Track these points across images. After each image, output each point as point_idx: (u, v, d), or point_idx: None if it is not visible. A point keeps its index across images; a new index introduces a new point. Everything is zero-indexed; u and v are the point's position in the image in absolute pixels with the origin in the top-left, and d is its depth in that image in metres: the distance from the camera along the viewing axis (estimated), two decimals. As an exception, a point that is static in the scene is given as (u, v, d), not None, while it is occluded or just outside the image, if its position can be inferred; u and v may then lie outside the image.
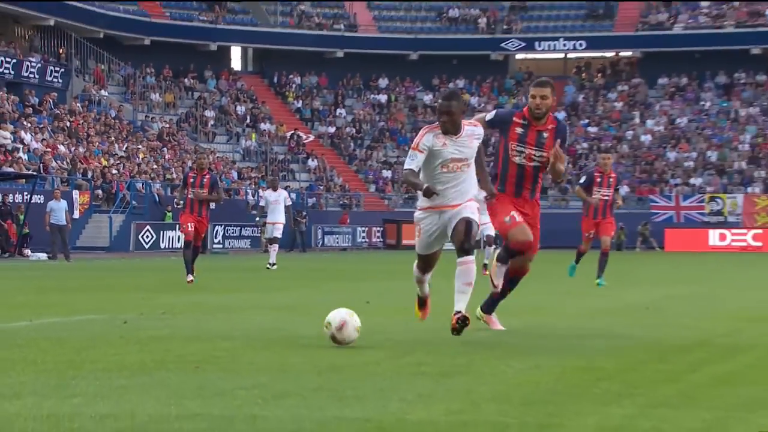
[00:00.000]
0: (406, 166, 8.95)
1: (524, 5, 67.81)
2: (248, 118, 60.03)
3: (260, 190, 44.16)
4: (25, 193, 36.80)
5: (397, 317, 11.24)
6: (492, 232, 23.17)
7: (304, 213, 48.58)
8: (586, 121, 62.66)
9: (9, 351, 8.06)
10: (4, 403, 5.76)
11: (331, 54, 63.89)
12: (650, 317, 11.87)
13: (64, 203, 33.24)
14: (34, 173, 38.21)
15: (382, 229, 52.49)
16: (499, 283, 9.67)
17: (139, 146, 48.90)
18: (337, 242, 51.26)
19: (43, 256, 34.05)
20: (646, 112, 63.34)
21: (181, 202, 19.13)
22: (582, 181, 18.75)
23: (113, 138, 47.93)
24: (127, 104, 54.95)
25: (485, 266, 21.97)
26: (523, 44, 64.86)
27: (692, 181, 57.36)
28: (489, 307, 9.94)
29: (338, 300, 14.20)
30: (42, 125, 44.03)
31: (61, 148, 42.94)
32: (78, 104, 49.59)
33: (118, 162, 45.62)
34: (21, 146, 40.57)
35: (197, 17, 61.41)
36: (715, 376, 7.10)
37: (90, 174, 42.27)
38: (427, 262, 9.42)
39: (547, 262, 22.29)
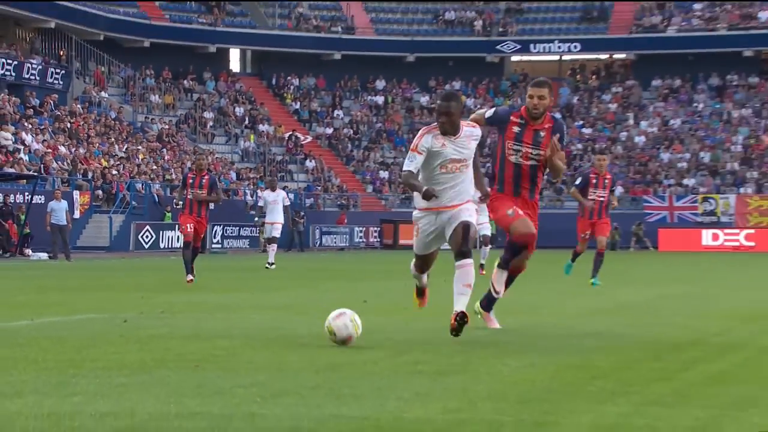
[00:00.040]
0: (405, 168, 8.86)
1: (519, 8, 67.84)
2: (247, 119, 60.02)
3: (258, 191, 44.15)
4: (26, 194, 36.77)
5: (395, 317, 11.24)
6: (488, 231, 23.20)
7: (302, 213, 48.56)
8: (581, 122, 62.67)
9: (10, 350, 8.05)
10: (6, 401, 5.75)
11: (328, 56, 63.89)
12: (644, 316, 11.88)
13: (64, 203, 33.22)
14: (35, 174, 38.19)
15: (379, 229, 52.48)
16: (501, 288, 9.56)
17: (139, 147, 48.87)
18: (335, 242, 51.25)
19: (44, 255, 34.03)
20: (640, 113, 63.38)
21: (181, 202, 19.09)
22: (578, 182, 18.76)
23: (113, 139, 47.90)
24: (126, 106, 54.92)
25: (482, 266, 21.99)
26: (519, 46, 64.87)
27: (685, 181, 57.39)
28: (488, 304, 9.86)
29: (336, 299, 14.19)
30: (43, 126, 44.00)
31: (62, 149, 42.92)
32: (78, 106, 49.56)
33: (118, 163, 45.60)
34: (22, 147, 40.55)
35: (196, 20, 61.39)
36: (708, 375, 7.10)
37: (90, 174, 42.25)
38: (424, 262, 9.40)
39: (543, 262, 22.28)
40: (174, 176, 46.69)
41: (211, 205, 19.68)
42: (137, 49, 57.60)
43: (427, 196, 8.68)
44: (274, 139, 59.56)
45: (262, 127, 59.53)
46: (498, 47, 65.06)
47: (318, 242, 50.09)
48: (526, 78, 64.45)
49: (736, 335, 9.89)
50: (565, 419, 5.38)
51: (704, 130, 60.91)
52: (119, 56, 56.94)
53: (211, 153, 51.63)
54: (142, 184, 44.27)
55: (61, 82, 49.85)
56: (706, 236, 52.55)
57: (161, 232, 41.08)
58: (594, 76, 66.66)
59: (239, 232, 46.06)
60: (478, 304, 9.87)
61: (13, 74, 46.81)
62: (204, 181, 18.45)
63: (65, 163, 41.88)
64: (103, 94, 53.41)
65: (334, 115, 63.20)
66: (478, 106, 60.17)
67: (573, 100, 64.47)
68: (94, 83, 54.00)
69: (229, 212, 44.93)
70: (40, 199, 36.31)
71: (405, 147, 60.29)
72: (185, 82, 59.84)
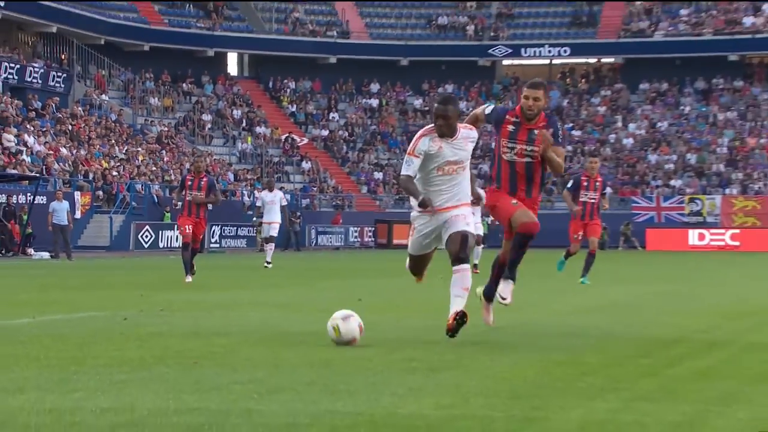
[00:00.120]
0: (403, 172, 8.72)
1: (510, 13, 67.87)
2: (244, 121, 59.98)
3: (256, 191, 44.10)
4: (29, 194, 36.72)
5: (389, 314, 11.23)
6: (480, 231, 23.20)
7: (298, 213, 48.53)
8: (571, 125, 62.71)
9: (12, 347, 8.04)
10: (8, 397, 5.74)
11: (324, 60, 63.86)
12: (632, 314, 11.88)
13: (66, 204, 33.18)
14: (37, 175, 38.14)
15: (373, 229, 52.44)
16: (508, 296, 9.37)
17: (139, 149, 48.83)
18: (330, 242, 51.22)
19: (46, 255, 33.99)
20: (628, 116, 63.43)
21: (179, 203, 19.04)
22: (569, 185, 18.78)
23: (113, 141, 47.84)
24: (127, 108, 54.85)
25: (475, 266, 21.98)
26: (510, 50, 64.91)
27: (672, 182, 57.46)
28: (490, 295, 9.57)
29: (331, 298, 14.19)
30: (45, 128, 43.94)
31: (63, 151, 42.86)
32: (79, 108, 49.50)
33: (119, 164, 45.55)
34: (24, 149, 40.49)
35: (195, 24, 61.34)
36: (694, 371, 7.10)
37: (91, 176, 42.20)
38: (417, 264, 9.22)
39: (533, 261, 22.24)
40: (173, 177, 46.64)
41: (210, 206, 19.63)
42: (137, 53, 57.55)
43: (423, 205, 8.56)
44: (271, 140, 59.53)
45: (259, 129, 59.49)
46: (489, 51, 65.09)
47: (314, 242, 50.07)
48: (517, 81, 64.54)
49: (721, 332, 9.90)
50: (555, 414, 5.38)
51: (691, 132, 61.00)
52: (119, 60, 56.89)
53: (209, 154, 51.57)
54: (142, 185, 44.22)
55: (62, 85, 49.78)
56: (693, 236, 52.61)
57: (160, 232, 41.04)
58: (583, 80, 66.71)
59: (237, 232, 46.04)
60: (480, 289, 9.66)
61: (16, 77, 46.75)
62: (202, 183, 18.37)
63: (66, 164, 41.83)
64: (103, 96, 53.35)
65: (330, 117, 63.18)
66: (471, 109, 60.16)
67: (563, 103, 64.51)
68: (95, 86, 53.93)
69: (227, 212, 44.91)
70: (42, 199, 36.26)
71: (399, 149, 60.31)
72: (184, 85, 59.78)
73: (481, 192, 21.30)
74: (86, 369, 6.82)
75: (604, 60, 66.60)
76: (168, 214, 42.17)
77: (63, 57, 52.98)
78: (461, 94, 64.27)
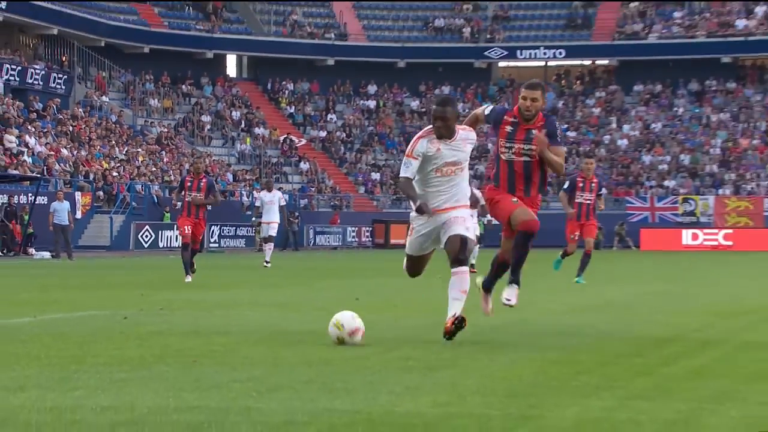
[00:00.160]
0: (401, 174, 8.64)
1: (506, 15, 67.89)
2: (243, 122, 59.96)
3: (255, 192, 44.08)
4: (30, 195, 36.70)
5: (386, 313, 11.21)
6: (477, 231, 23.21)
7: (297, 213, 48.51)
8: (566, 126, 62.72)
9: (14, 346, 8.02)
10: (9, 395, 5.74)
11: (322, 62, 63.86)
12: (627, 313, 11.88)
13: (66, 204, 33.15)
14: (38, 175, 38.12)
15: (371, 228, 52.44)
16: (513, 299, 9.30)
17: (139, 150, 48.80)
18: (328, 241, 51.21)
19: (47, 254, 33.97)
20: (623, 117, 63.46)
21: (179, 203, 19.01)
22: (565, 186, 18.78)
23: (114, 142, 47.82)
24: (127, 109, 54.83)
25: (472, 266, 21.99)
26: (506, 52, 64.93)
27: (666, 183, 57.49)
28: (489, 286, 9.49)
29: (329, 297, 14.18)
30: (46, 130, 43.92)
31: (64, 152, 42.84)
32: (80, 109, 49.48)
33: (119, 165, 45.52)
34: (26, 150, 40.47)
35: (194, 27, 61.32)
36: (688, 370, 7.10)
37: (92, 176, 42.18)
38: (415, 265, 9.10)
39: (529, 261, 22.27)
40: (173, 178, 46.62)
41: (209, 207, 19.60)
42: (137, 54, 57.53)
43: (420, 212, 8.48)
44: (270, 141, 59.52)
45: (258, 131, 59.48)
46: (486, 53, 65.11)
47: (312, 242, 50.06)
48: (513, 83, 64.60)
49: (715, 331, 9.89)
50: (550, 413, 5.38)
51: (684, 133, 61.04)
52: (120, 62, 56.86)
53: (208, 155, 51.55)
54: (142, 186, 44.21)
55: (63, 87, 49.75)
56: (686, 236, 52.64)
57: (160, 232, 41.03)
58: (578, 82, 66.75)
59: (236, 232, 46.04)
60: (480, 279, 9.62)
61: (17, 79, 46.74)
62: (202, 184, 18.33)
63: (67, 165, 41.81)
64: (104, 98, 53.32)
65: (328, 118, 63.18)
66: (467, 110, 60.21)
67: (558, 105, 64.54)
68: (96, 88, 53.90)
69: (226, 212, 44.91)
70: (43, 199, 36.25)
71: (396, 149, 60.33)
72: (183, 86, 59.76)
73: (478, 193, 21.33)
74: (86, 367, 6.81)
75: (599, 62, 66.64)
76: (168, 215, 42.15)
77: (64, 59, 52.94)
78: (457, 95, 64.27)
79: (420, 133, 8.74)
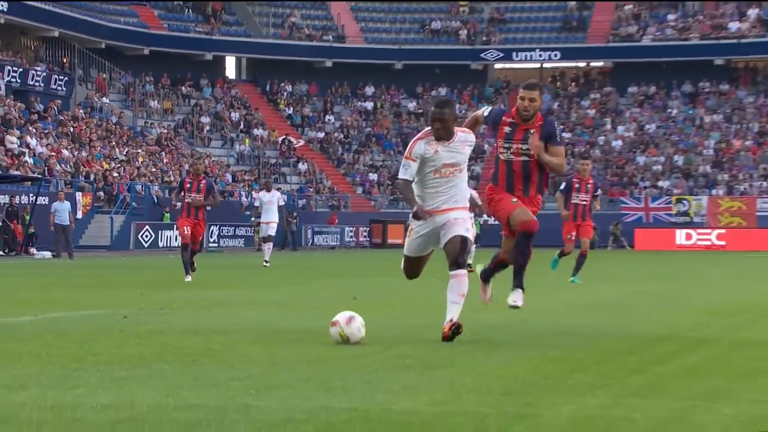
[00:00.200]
0: (400, 176, 8.61)
1: (502, 18, 67.91)
2: (242, 123, 59.94)
3: (254, 192, 44.07)
4: (31, 195, 36.67)
5: (384, 313, 11.21)
6: (474, 231, 23.22)
7: (295, 214, 48.50)
8: (561, 127, 62.69)
9: (15, 344, 8.02)
10: (11, 393, 5.73)
11: (320, 63, 63.85)
12: (622, 312, 11.89)
13: (67, 204, 33.13)
14: (40, 176, 38.08)
15: (368, 228, 52.42)
16: (519, 301, 9.27)
17: (139, 150, 48.78)
18: (326, 241, 51.20)
19: (48, 254, 33.94)
20: (617, 118, 63.48)
21: (178, 204, 18.99)
22: (562, 187, 18.79)
23: (114, 143, 47.79)
24: (127, 111, 54.80)
25: (469, 265, 21.99)
26: (502, 54, 64.93)
27: (660, 183, 57.51)
28: (487, 277, 9.48)
29: (327, 296, 14.18)
30: (47, 131, 43.89)
31: (65, 153, 42.81)
32: (81, 111, 49.45)
33: (119, 165, 45.50)
34: (27, 151, 40.43)
35: (194, 29, 61.30)
36: (682, 368, 7.10)
37: (92, 177, 42.16)
38: (413, 266, 9.02)
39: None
40: (172, 178, 46.60)
41: (209, 207, 19.59)
42: (137, 56, 57.50)
43: (417, 216, 8.45)
44: (268, 142, 59.50)
45: (257, 132, 59.47)
46: (482, 55, 65.11)
47: (310, 241, 50.04)
48: (509, 85, 64.62)
49: (708, 330, 9.90)
50: (546, 411, 5.38)
51: (678, 134, 61.07)
52: (120, 63, 56.84)
53: (207, 156, 51.54)
54: (142, 186, 44.18)
55: (64, 89, 49.72)
56: (680, 236, 52.66)
57: (160, 232, 41.01)
58: (573, 83, 66.76)
59: (235, 232, 46.02)
60: (480, 267, 9.59)
61: (19, 81, 46.71)
62: (201, 185, 18.31)
63: (68, 165, 41.78)
64: (104, 99, 53.29)
65: (326, 119, 63.17)
66: (463, 112, 60.23)
67: (553, 106, 64.56)
68: (96, 89, 53.87)
69: (225, 213, 44.88)
70: (44, 200, 36.22)
71: (393, 150, 60.35)
72: (183, 88, 59.73)
73: (474, 193, 21.32)
74: (87, 366, 6.81)
75: (594, 64, 66.65)
76: (167, 215, 42.14)
77: (64, 61, 52.91)
78: (454, 97, 64.26)
79: (418, 135, 8.71)
